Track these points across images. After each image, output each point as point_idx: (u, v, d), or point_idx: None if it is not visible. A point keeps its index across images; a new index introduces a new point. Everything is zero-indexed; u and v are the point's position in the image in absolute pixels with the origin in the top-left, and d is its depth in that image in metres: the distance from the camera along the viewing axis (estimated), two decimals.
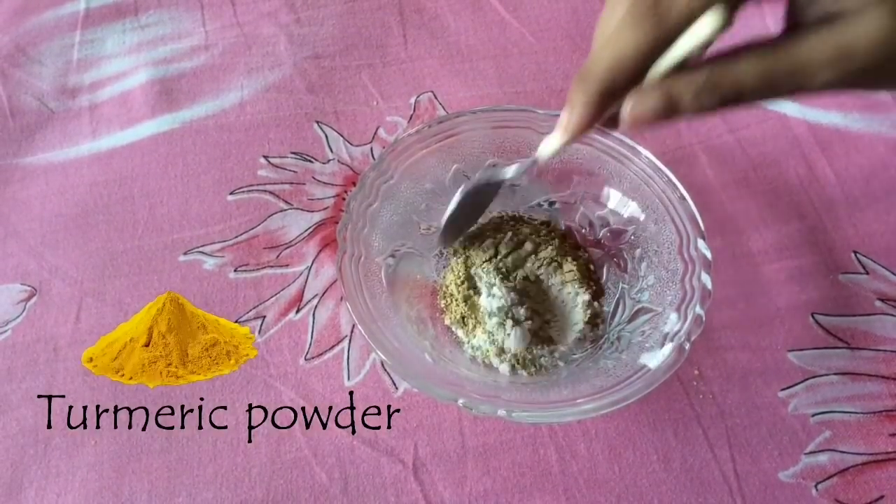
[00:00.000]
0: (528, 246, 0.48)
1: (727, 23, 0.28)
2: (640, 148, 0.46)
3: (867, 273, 0.49)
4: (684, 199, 0.44)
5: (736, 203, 0.52)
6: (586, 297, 0.46)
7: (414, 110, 0.57)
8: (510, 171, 0.43)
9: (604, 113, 0.32)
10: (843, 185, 0.53)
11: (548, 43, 0.61)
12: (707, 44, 0.29)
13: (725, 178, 0.53)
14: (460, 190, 0.44)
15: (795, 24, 0.30)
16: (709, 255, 0.42)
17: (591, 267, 0.48)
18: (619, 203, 0.47)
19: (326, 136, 0.56)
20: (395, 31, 0.62)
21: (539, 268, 0.47)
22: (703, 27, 0.28)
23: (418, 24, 0.62)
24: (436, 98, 0.58)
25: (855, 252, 0.50)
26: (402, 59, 0.60)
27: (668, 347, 0.39)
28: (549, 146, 0.37)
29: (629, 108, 0.30)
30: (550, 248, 0.47)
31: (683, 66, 0.30)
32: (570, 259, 0.47)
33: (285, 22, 0.62)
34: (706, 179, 0.53)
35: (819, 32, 0.28)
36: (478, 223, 0.49)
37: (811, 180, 0.53)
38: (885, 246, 0.50)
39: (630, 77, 0.30)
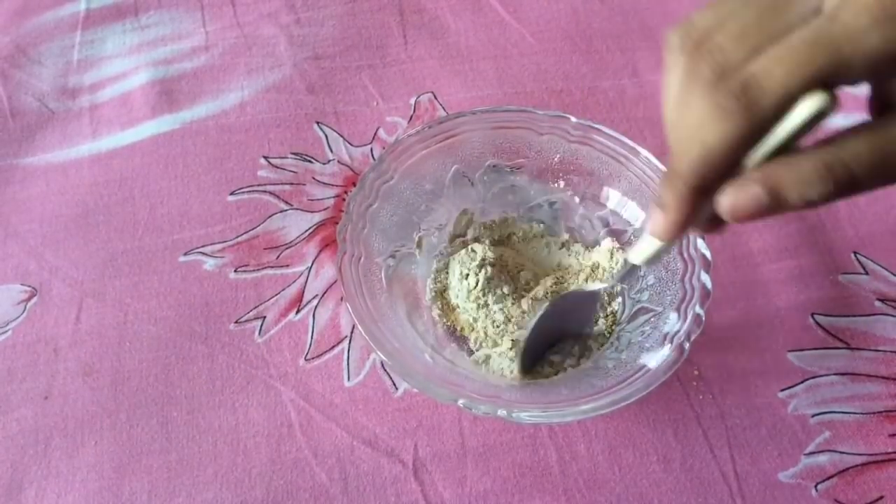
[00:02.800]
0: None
1: (831, 106, 0.25)
2: (639, 148, 0.46)
3: (867, 273, 0.49)
4: None
5: None
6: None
7: (414, 111, 0.57)
8: (604, 284, 0.43)
9: (698, 210, 0.29)
10: None
11: (548, 43, 0.61)
12: (808, 128, 0.26)
13: None
14: (541, 310, 0.43)
15: (885, 107, 0.27)
16: (708, 254, 0.42)
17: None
18: (618, 203, 0.47)
19: (326, 137, 0.56)
20: (395, 31, 0.62)
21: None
22: (804, 110, 0.25)
23: (418, 24, 0.62)
24: (436, 98, 0.58)
25: (855, 252, 0.50)
26: (402, 60, 0.60)
27: (668, 347, 0.39)
28: (642, 251, 0.35)
29: (728, 201, 0.27)
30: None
31: (784, 152, 0.27)
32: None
33: (285, 23, 0.62)
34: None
35: None
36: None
37: None
38: (885, 246, 0.50)
39: (722, 171, 0.27)
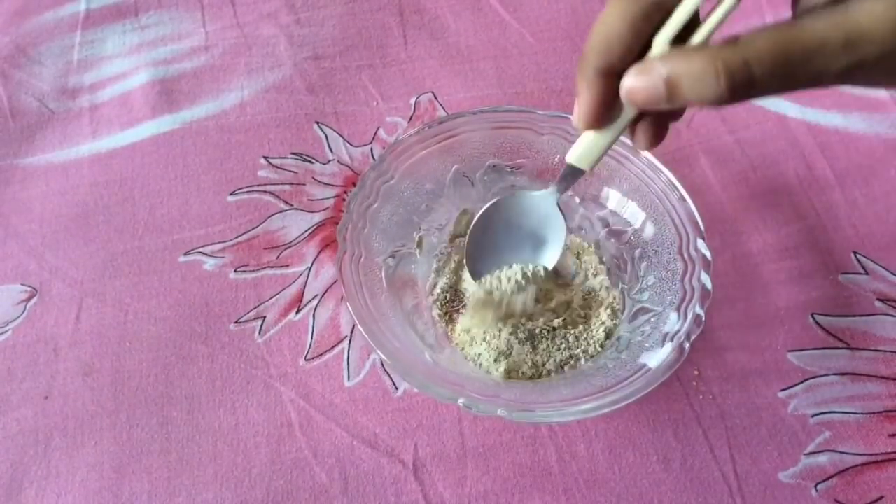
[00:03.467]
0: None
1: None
2: None
3: (867, 273, 0.49)
4: (684, 199, 0.44)
5: (736, 203, 0.52)
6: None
7: (414, 111, 0.57)
8: (549, 189, 0.41)
9: (608, 94, 0.29)
10: (843, 186, 0.53)
11: (548, 43, 0.61)
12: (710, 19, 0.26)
13: (725, 178, 0.53)
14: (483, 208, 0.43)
15: (803, 10, 0.27)
16: (708, 255, 0.42)
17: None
18: (618, 203, 0.48)
19: (326, 137, 0.56)
20: (395, 31, 0.62)
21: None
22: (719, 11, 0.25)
23: (418, 24, 0.62)
24: (436, 98, 0.58)
25: (855, 252, 0.50)
26: (402, 60, 0.60)
27: (668, 347, 0.39)
28: (576, 150, 0.35)
29: (627, 83, 0.28)
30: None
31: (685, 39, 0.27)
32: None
33: (285, 23, 0.62)
34: (706, 180, 0.53)
35: (830, 15, 0.25)
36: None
37: (811, 181, 0.53)
38: (885, 246, 0.50)
39: (622, 52, 0.27)
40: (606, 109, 0.30)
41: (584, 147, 0.35)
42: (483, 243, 0.44)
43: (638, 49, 0.28)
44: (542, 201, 0.42)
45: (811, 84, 0.26)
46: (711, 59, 0.25)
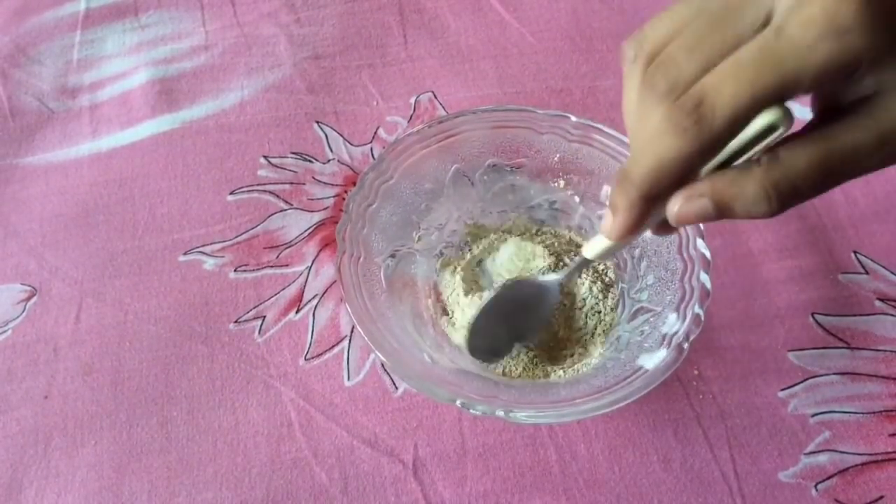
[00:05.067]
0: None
1: (783, 121, 0.25)
2: None
3: (867, 273, 0.49)
4: None
5: None
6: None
7: (414, 110, 0.57)
8: (558, 276, 0.42)
9: (648, 215, 0.30)
10: (843, 186, 0.53)
11: (548, 43, 0.61)
12: (762, 140, 0.26)
13: None
14: (486, 296, 0.44)
15: (830, 109, 0.27)
16: (708, 254, 0.42)
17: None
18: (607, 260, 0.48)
19: (326, 136, 0.56)
20: (395, 31, 0.62)
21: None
22: (756, 125, 0.26)
23: (418, 24, 0.62)
24: (436, 98, 0.58)
25: (855, 252, 0.50)
26: (402, 59, 0.60)
27: (668, 347, 0.39)
28: (595, 248, 0.36)
29: (675, 208, 0.28)
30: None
31: (733, 160, 0.28)
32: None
33: (285, 22, 0.62)
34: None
35: (859, 120, 0.26)
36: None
37: None
38: (885, 246, 0.50)
39: (673, 182, 0.28)
40: (641, 226, 0.30)
41: (603, 249, 0.36)
42: (486, 327, 0.43)
43: (689, 180, 0.28)
44: (549, 286, 0.43)
45: (851, 179, 0.27)
46: (761, 183, 0.26)
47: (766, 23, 0.25)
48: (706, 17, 0.27)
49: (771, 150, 0.27)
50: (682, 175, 0.27)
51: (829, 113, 0.27)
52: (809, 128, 0.27)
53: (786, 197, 0.26)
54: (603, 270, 0.47)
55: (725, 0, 0.27)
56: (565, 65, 0.60)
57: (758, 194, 0.27)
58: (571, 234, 0.50)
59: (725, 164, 0.28)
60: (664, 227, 0.32)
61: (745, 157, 0.27)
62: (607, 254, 0.36)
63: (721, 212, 0.28)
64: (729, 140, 0.26)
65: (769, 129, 0.26)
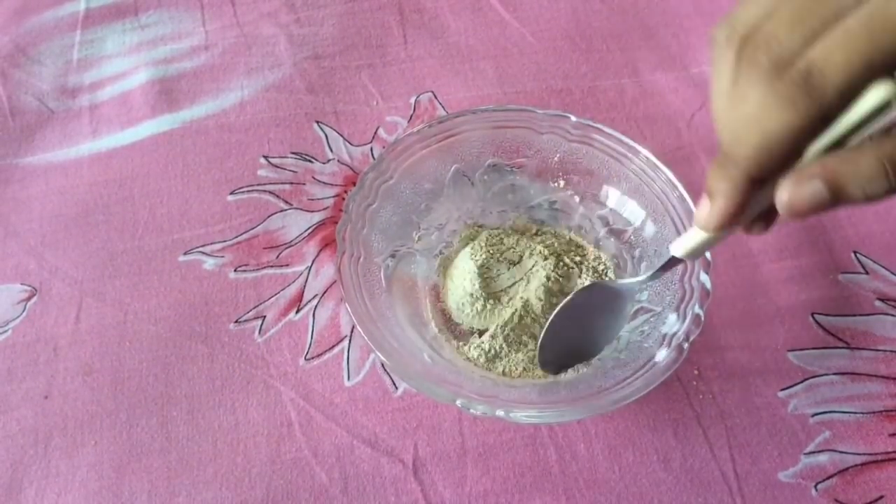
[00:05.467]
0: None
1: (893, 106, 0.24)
2: (639, 147, 0.46)
3: (867, 273, 0.49)
4: (684, 198, 0.44)
5: None
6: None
7: (414, 110, 0.57)
8: (638, 278, 0.40)
9: (750, 200, 0.28)
10: None
11: (548, 43, 0.61)
12: (873, 119, 0.25)
13: None
14: (561, 304, 0.41)
15: None
16: (708, 254, 0.42)
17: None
18: (618, 203, 0.47)
19: (326, 136, 0.56)
20: (395, 31, 0.62)
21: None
22: (869, 101, 0.25)
23: (418, 24, 0.62)
24: (436, 98, 0.58)
25: (855, 252, 0.50)
26: (402, 59, 0.60)
27: (667, 347, 0.39)
28: (686, 244, 0.34)
29: (786, 195, 0.27)
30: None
31: (843, 143, 0.26)
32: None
33: (285, 22, 0.62)
34: (706, 179, 0.53)
35: None
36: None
37: None
38: (885, 246, 0.50)
39: (781, 160, 0.26)
40: (743, 214, 0.29)
41: (697, 244, 0.33)
42: (557, 338, 0.42)
43: (795, 160, 0.27)
44: (627, 290, 0.41)
45: None
46: (877, 158, 0.25)
47: None
48: None
49: (884, 129, 0.25)
50: (791, 152, 0.26)
51: None
52: None
53: None
54: (603, 270, 0.48)
55: None
56: (565, 65, 0.60)
57: (875, 169, 0.25)
58: (571, 234, 0.50)
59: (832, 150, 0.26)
60: (761, 222, 0.30)
61: (854, 139, 0.26)
62: (700, 250, 0.34)
63: (836, 194, 0.26)
64: (841, 112, 0.25)
65: (880, 109, 0.25)
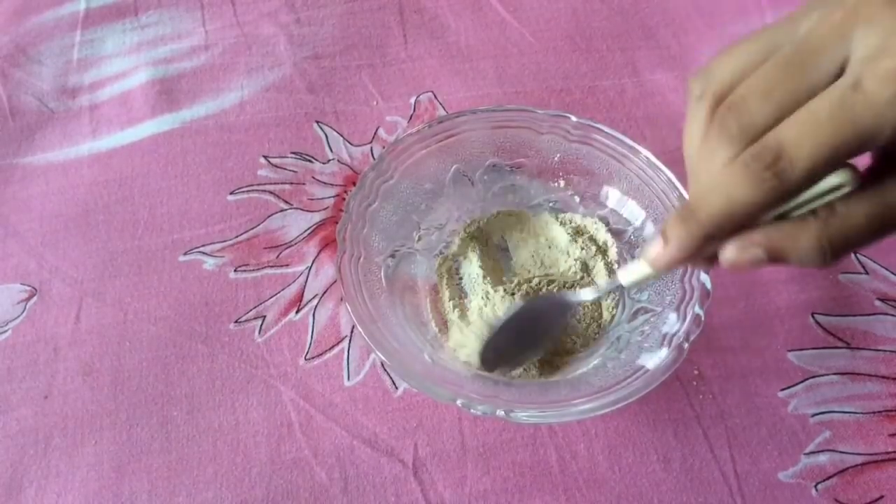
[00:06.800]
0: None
1: (852, 181, 0.26)
2: (639, 147, 0.46)
3: (867, 273, 0.49)
4: (684, 198, 0.44)
5: None
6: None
7: (414, 110, 0.57)
8: (585, 295, 0.41)
9: (702, 251, 0.30)
10: None
11: (548, 43, 0.61)
12: (825, 198, 0.27)
13: None
14: (507, 311, 0.43)
15: (887, 160, 0.28)
16: None
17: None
18: (618, 203, 0.47)
19: (326, 136, 0.56)
20: (395, 31, 0.62)
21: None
22: (827, 183, 0.27)
23: (418, 24, 0.62)
24: (436, 98, 0.58)
25: (855, 252, 0.50)
26: (402, 59, 0.60)
27: (668, 347, 0.39)
28: (632, 274, 0.36)
29: (730, 255, 0.29)
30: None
31: (789, 212, 0.29)
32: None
33: (285, 22, 0.62)
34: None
35: None
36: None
37: None
38: (885, 246, 0.50)
39: (739, 228, 0.28)
40: (689, 261, 0.31)
41: (640, 277, 0.36)
42: (501, 340, 0.42)
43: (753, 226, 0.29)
44: (571, 304, 0.43)
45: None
46: (817, 237, 0.27)
47: (840, 71, 0.26)
48: (779, 61, 0.27)
49: (828, 204, 0.27)
50: (751, 222, 0.28)
51: (883, 165, 0.28)
52: (866, 180, 0.27)
53: (840, 250, 0.27)
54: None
55: (798, 43, 0.27)
56: (565, 65, 0.60)
57: (813, 248, 0.27)
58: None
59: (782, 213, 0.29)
60: (705, 262, 0.32)
61: (805, 208, 0.28)
62: (643, 282, 0.36)
63: (774, 261, 0.28)
64: (802, 192, 0.27)
65: (834, 189, 0.27)
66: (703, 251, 0.30)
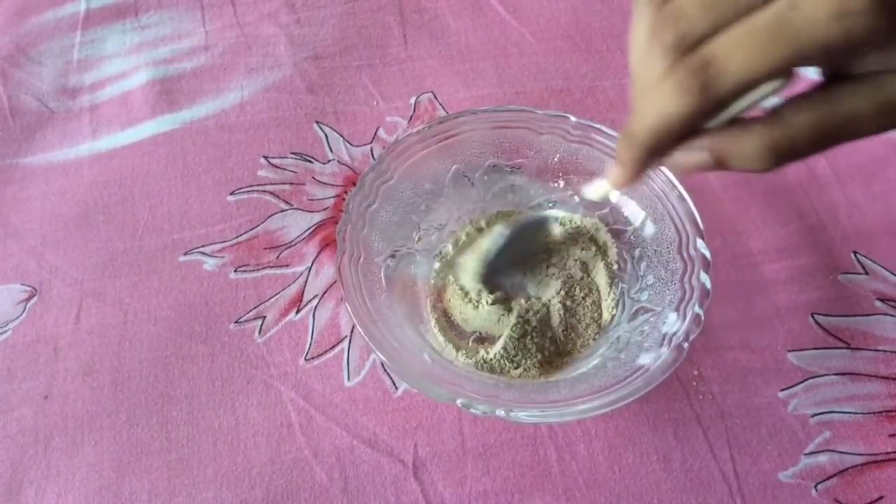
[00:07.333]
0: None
1: (784, 85, 0.26)
2: None
3: (867, 273, 0.49)
4: (683, 198, 0.44)
5: (736, 203, 0.52)
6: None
7: (414, 110, 0.57)
8: (561, 211, 0.45)
9: (650, 165, 0.31)
10: (843, 186, 0.53)
11: (548, 43, 0.61)
12: (762, 100, 0.28)
13: (725, 178, 0.53)
14: (501, 231, 0.46)
15: (837, 76, 0.28)
16: (708, 254, 0.42)
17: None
18: (618, 203, 0.47)
19: (326, 137, 0.56)
20: (395, 31, 0.62)
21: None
22: (760, 91, 0.27)
23: (418, 24, 0.62)
24: (436, 98, 0.58)
25: (855, 252, 0.50)
26: (402, 59, 0.60)
27: (667, 347, 0.39)
28: (597, 191, 0.38)
29: (677, 158, 0.30)
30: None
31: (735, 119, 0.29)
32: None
33: (285, 22, 0.62)
34: (706, 179, 0.53)
35: (866, 87, 0.27)
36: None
37: (811, 180, 0.53)
38: (885, 246, 0.50)
39: (675, 138, 0.29)
40: (644, 174, 0.32)
41: (605, 191, 0.38)
42: (498, 261, 0.46)
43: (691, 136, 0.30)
44: (550, 220, 0.46)
45: (847, 142, 0.28)
46: (762, 140, 0.28)
47: None
48: None
49: (774, 109, 0.27)
50: (683, 133, 0.28)
51: (835, 79, 0.28)
52: (813, 90, 0.28)
53: (783, 155, 0.28)
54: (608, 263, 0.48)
55: None
56: (565, 65, 0.60)
57: (757, 151, 0.28)
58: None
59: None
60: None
61: (743, 113, 0.28)
62: (605, 198, 0.39)
63: (720, 165, 0.29)
64: (732, 102, 0.27)
65: (768, 94, 0.27)
66: (656, 162, 0.31)
